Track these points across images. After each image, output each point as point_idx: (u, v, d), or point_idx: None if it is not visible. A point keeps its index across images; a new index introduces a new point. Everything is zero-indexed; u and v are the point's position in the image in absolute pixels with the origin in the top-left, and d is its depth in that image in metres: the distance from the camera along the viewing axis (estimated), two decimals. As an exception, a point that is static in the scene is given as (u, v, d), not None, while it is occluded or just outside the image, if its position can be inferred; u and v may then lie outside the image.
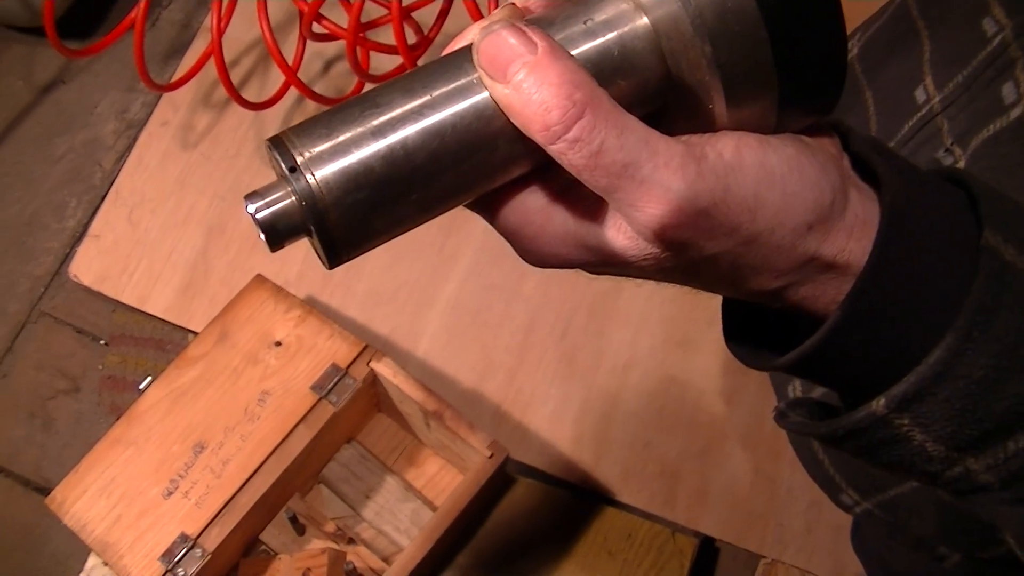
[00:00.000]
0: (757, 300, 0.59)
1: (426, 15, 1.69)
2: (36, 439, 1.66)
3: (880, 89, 1.05)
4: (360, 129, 0.51)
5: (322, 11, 1.57)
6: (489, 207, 0.57)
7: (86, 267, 1.74)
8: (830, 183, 0.55)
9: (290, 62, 1.67)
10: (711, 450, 1.60)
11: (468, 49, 0.53)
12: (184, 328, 1.70)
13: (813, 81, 0.54)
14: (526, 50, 0.50)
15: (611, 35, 0.53)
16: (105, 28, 1.75)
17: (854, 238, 0.55)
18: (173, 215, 1.78)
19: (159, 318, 1.71)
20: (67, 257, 1.77)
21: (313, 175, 0.50)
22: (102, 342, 1.72)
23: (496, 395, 1.63)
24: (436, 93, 0.52)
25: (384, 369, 1.43)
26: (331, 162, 0.51)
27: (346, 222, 0.51)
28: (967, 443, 0.55)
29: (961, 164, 0.89)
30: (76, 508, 1.39)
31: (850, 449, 0.59)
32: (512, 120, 0.51)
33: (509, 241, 0.58)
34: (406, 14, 1.65)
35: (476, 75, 0.52)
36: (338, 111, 0.52)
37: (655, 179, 0.50)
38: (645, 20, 0.53)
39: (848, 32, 1.18)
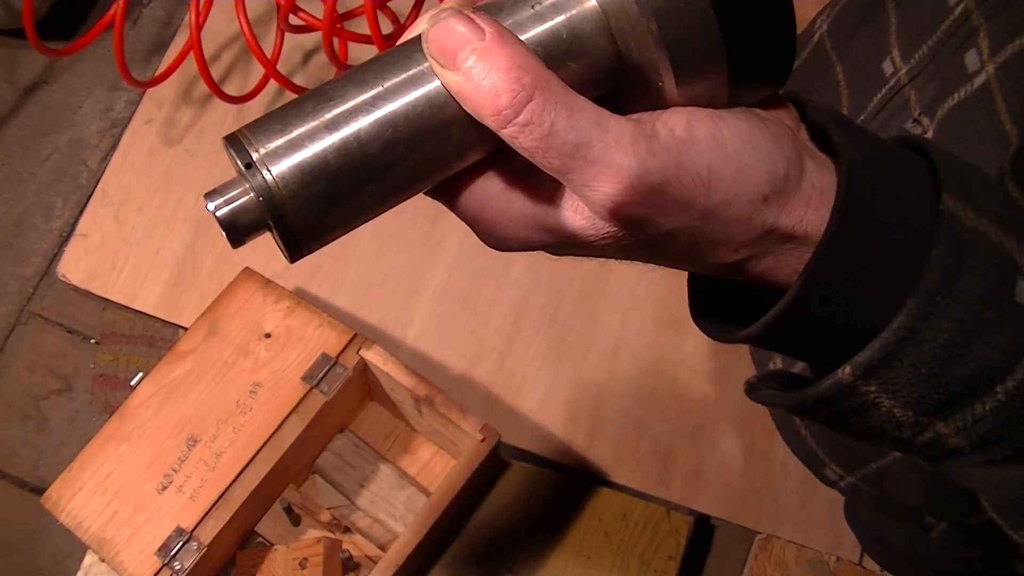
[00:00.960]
0: (720, 274, 0.59)
1: (403, 4, 1.70)
2: (31, 440, 1.66)
3: (849, 64, 1.06)
4: (314, 123, 0.52)
5: (299, 3, 1.57)
6: (448, 194, 0.57)
7: (74, 266, 1.74)
8: (784, 154, 0.55)
9: (269, 55, 1.67)
10: (704, 429, 1.60)
11: (419, 39, 0.53)
12: (174, 324, 1.70)
13: (762, 55, 0.54)
14: (474, 36, 0.50)
15: (559, 18, 0.53)
16: (86, 28, 1.75)
17: (812, 208, 0.55)
18: (160, 212, 1.78)
19: (149, 315, 1.71)
20: (55, 257, 1.77)
21: (269, 171, 0.51)
22: (93, 341, 1.72)
23: (487, 380, 1.64)
24: (388, 84, 0.52)
25: (374, 357, 1.43)
26: (286, 157, 0.51)
27: (304, 216, 0.52)
28: (935, 408, 0.55)
29: (929, 134, 0.89)
30: (71, 506, 1.39)
31: (821, 419, 0.59)
32: (464, 106, 0.52)
33: (470, 226, 0.58)
34: (381, 4, 1.65)
35: (427, 64, 0.52)
36: (292, 106, 0.53)
37: (607, 158, 0.50)
38: (593, 2, 0.53)
39: (818, 10, 1.19)
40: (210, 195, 0.52)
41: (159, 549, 1.34)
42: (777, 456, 1.58)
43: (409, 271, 1.71)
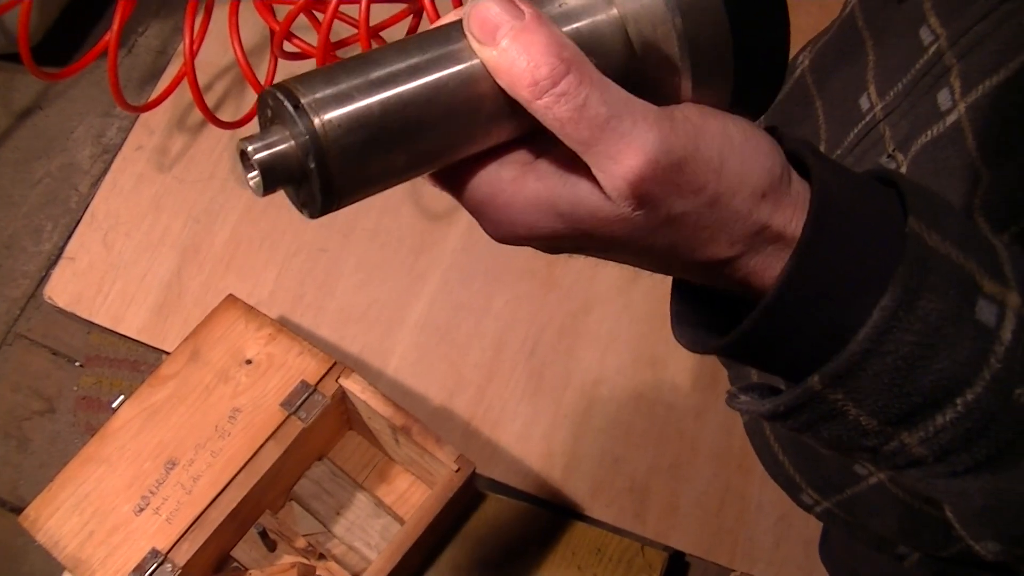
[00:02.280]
0: (708, 277, 0.61)
1: (396, 33, 1.71)
2: (12, 459, 1.67)
3: (829, 98, 1.08)
4: (361, 80, 0.54)
5: (293, 30, 1.60)
6: (462, 179, 0.59)
7: (61, 289, 1.76)
8: (779, 157, 0.58)
9: (263, 82, 1.69)
10: (680, 465, 1.61)
11: (457, 23, 0.56)
12: (158, 349, 1.71)
13: (762, 63, 0.59)
14: (514, 16, 0.53)
15: (584, 20, 0.57)
16: (81, 55, 1.76)
17: (798, 212, 0.58)
18: (147, 237, 1.79)
19: (133, 339, 1.72)
20: (43, 280, 1.79)
21: (318, 115, 0.53)
22: (77, 363, 1.73)
23: (466, 412, 1.65)
24: (429, 55, 0.55)
25: (353, 385, 1.45)
26: (334, 105, 0.53)
27: (344, 163, 0.54)
28: (898, 417, 0.58)
29: (903, 169, 0.91)
30: (49, 525, 1.40)
31: (793, 426, 0.62)
32: (499, 80, 0.54)
33: (478, 214, 0.60)
34: (374, 33, 1.67)
35: (466, 42, 0.55)
36: (337, 65, 0.55)
37: (635, 132, 0.53)
38: (614, 10, 0.58)
39: (800, 46, 1.21)
40: (248, 139, 0.54)
41: (134, 570, 1.35)
42: (753, 494, 1.59)
43: (392, 303, 1.73)
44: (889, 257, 0.57)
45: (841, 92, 1.05)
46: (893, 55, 0.97)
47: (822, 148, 1.06)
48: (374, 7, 1.60)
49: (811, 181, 0.59)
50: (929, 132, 0.89)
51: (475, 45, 0.55)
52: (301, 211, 0.57)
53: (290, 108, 0.53)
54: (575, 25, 0.57)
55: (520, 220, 0.58)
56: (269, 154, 0.53)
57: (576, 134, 0.53)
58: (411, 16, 1.66)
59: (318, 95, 0.53)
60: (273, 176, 0.54)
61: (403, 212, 1.77)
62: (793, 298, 0.58)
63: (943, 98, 0.88)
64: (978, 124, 0.83)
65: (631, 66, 0.59)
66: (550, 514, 1.59)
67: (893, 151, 0.94)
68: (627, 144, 0.53)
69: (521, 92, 0.53)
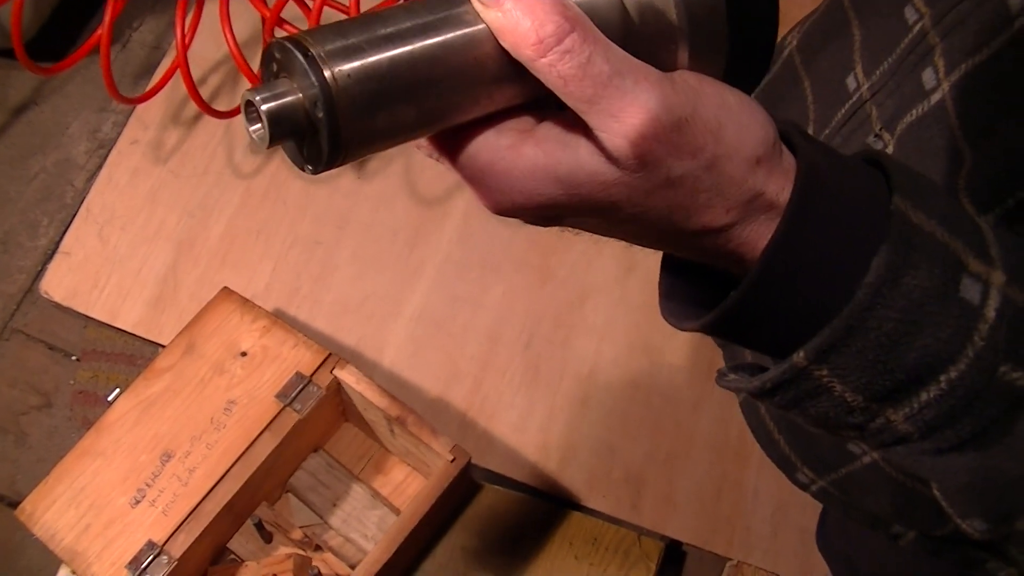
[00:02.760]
0: (701, 248, 0.61)
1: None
2: (9, 454, 1.68)
3: (816, 78, 1.08)
4: (370, 36, 0.55)
5: (285, 17, 1.60)
6: (460, 146, 0.59)
7: (57, 284, 1.76)
8: (773, 126, 0.59)
9: (257, 72, 1.70)
10: (677, 455, 1.62)
11: None
12: (154, 342, 1.72)
13: (754, 35, 0.60)
14: None
15: None
16: (75, 49, 1.77)
17: (788, 183, 0.58)
18: (143, 231, 1.80)
19: (129, 333, 1.73)
20: (39, 275, 1.79)
21: (328, 67, 0.53)
22: (74, 358, 1.73)
23: (462, 403, 1.65)
24: (436, 16, 0.56)
25: (348, 376, 1.45)
26: (345, 58, 0.53)
27: (354, 114, 0.54)
28: (883, 393, 0.59)
29: (890, 149, 0.92)
30: (46, 519, 1.40)
31: (780, 403, 0.62)
32: (503, 41, 0.55)
33: (476, 183, 0.60)
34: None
35: (469, 4, 0.56)
36: (346, 21, 0.56)
37: (637, 90, 0.54)
38: None
39: (788, 29, 1.22)
40: (254, 90, 0.54)
41: (130, 562, 1.35)
42: (749, 483, 1.60)
43: (387, 295, 1.73)
44: (874, 234, 0.57)
45: (828, 72, 1.06)
46: (879, 34, 0.98)
47: (810, 128, 1.07)
48: (367, -5, 1.61)
49: (797, 157, 0.59)
50: (914, 111, 0.89)
51: (479, 7, 0.55)
52: (303, 168, 0.57)
53: (301, 58, 0.53)
54: None
55: (519, 187, 0.58)
56: (277, 104, 0.53)
57: (580, 91, 0.54)
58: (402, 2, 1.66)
59: (329, 47, 0.53)
60: (280, 127, 0.54)
61: (398, 205, 1.77)
62: (780, 270, 0.58)
63: (928, 77, 0.88)
64: (961, 103, 0.84)
65: (628, 37, 0.59)
66: (547, 504, 1.59)
67: (880, 130, 0.95)
68: (630, 102, 0.53)
69: (525, 51, 0.54)
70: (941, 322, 0.57)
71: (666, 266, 0.70)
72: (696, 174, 0.56)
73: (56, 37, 1.98)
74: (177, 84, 1.73)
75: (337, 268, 1.75)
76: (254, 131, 0.55)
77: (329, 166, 0.56)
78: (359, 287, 1.74)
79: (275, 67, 0.55)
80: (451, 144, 0.60)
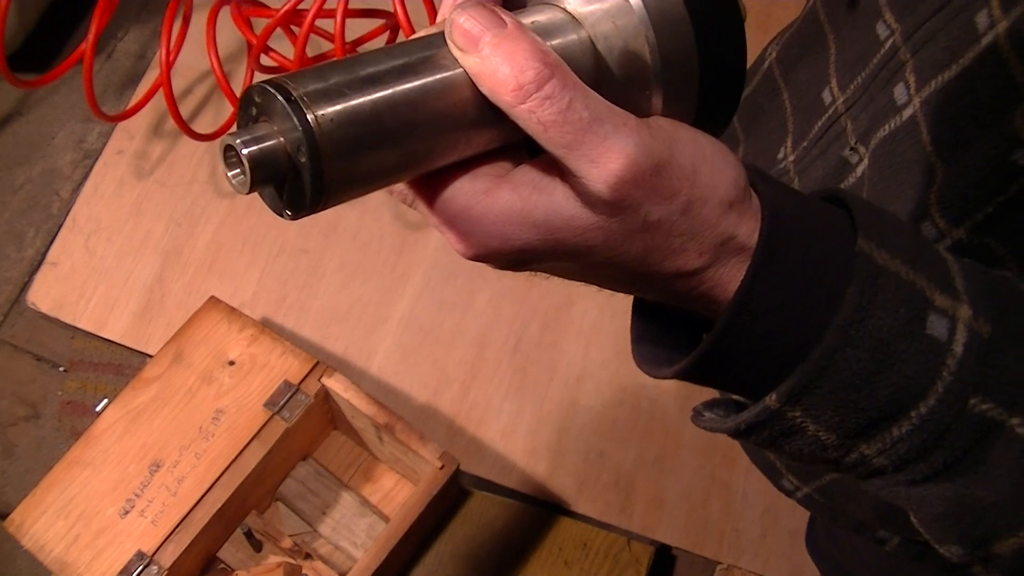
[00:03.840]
0: (674, 292, 0.62)
1: (375, 46, 1.73)
2: (-3, 466, 1.68)
3: (795, 91, 1.09)
4: (351, 78, 0.54)
5: (271, 43, 1.60)
6: (436, 191, 0.59)
7: (44, 294, 1.76)
8: (743, 169, 0.59)
9: (241, 91, 1.70)
10: (666, 459, 1.62)
11: (440, 33, 0.57)
12: (142, 352, 1.72)
13: (724, 80, 0.61)
14: (496, 24, 0.54)
15: (557, 40, 0.59)
16: (59, 61, 1.77)
17: (759, 224, 0.59)
18: (129, 241, 1.80)
19: (117, 343, 1.73)
20: (26, 285, 1.79)
21: (311, 110, 0.52)
22: (61, 368, 1.73)
23: (450, 409, 1.66)
24: (415, 59, 0.56)
25: (335, 384, 1.45)
26: (327, 101, 0.53)
27: (337, 159, 0.53)
28: (855, 431, 0.59)
29: (865, 162, 0.92)
30: (35, 529, 1.40)
31: (757, 442, 0.62)
32: (482, 87, 0.55)
33: (451, 228, 0.60)
34: (352, 48, 1.69)
35: (447, 49, 0.56)
36: (328, 64, 0.55)
37: (616, 136, 0.54)
38: (584, 32, 0.59)
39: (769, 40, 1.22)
40: (235, 134, 0.53)
41: (120, 573, 1.36)
42: (738, 485, 1.60)
43: (374, 302, 1.73)
44: (840, 275, 0.58)
45: (806, 85, 1.06)
46: (853, 48, 0.98)
47: (789, 140, 1.07)
48: (353, 22, 1.61)
49: (762, 200, 0.60)
50: (887, 126, 0.90)
51: (457, 53, 0.55)
52: (281, 213, 0.56)
53: (283, 101, 0.52)
54: (549, 43, 0.58)
55: (494, 231, 0.58)
56: (259, 148, 0.53)
57: (559, 137, 0.54)
58: (387, 32, 1.67)
59: (310, 90, 0.53)
60: (262, 172, 0.53)
61: (383, 212, 1.78)
62: (751, 312, 0.58)
63: (899, 92, 0.89)
64: (932, 119, 0.84)
65: (601, 81, 0.59)
66: (536, 510, 1.59)
67: (855, 144, 0.95)
68: (609, 147, 0.54)
69: (504, 97, 0.54)
70: (909, 359, 0.58)
71: (637, 310, 0.70)
72: (672, 218, 0.57)
73: (42, 47, 1.98)
74: (161, 93, 1.73)
75: (324, 276, 1.75)
76: (234, 176, 0.54)
77: (311, 211, 0.55)
78: (346, 294, 1.74)
79: (254, 111, 0.55)
80: (427, 189, 0.60)
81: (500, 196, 0.57)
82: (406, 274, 1.74)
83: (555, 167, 0.56)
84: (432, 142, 0.56)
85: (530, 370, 1.68)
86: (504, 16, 0.54)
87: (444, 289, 1.73)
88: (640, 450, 1.63)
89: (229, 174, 0.54)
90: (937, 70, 0.83)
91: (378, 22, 1.69)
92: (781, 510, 1.58)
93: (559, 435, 1.64)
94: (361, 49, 1.73)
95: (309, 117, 0.52)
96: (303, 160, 0.53)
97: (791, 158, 1.08)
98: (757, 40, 1.77)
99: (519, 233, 0.57)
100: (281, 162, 0.53)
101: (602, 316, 1.70)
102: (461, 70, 0.56)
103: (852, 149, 0.95)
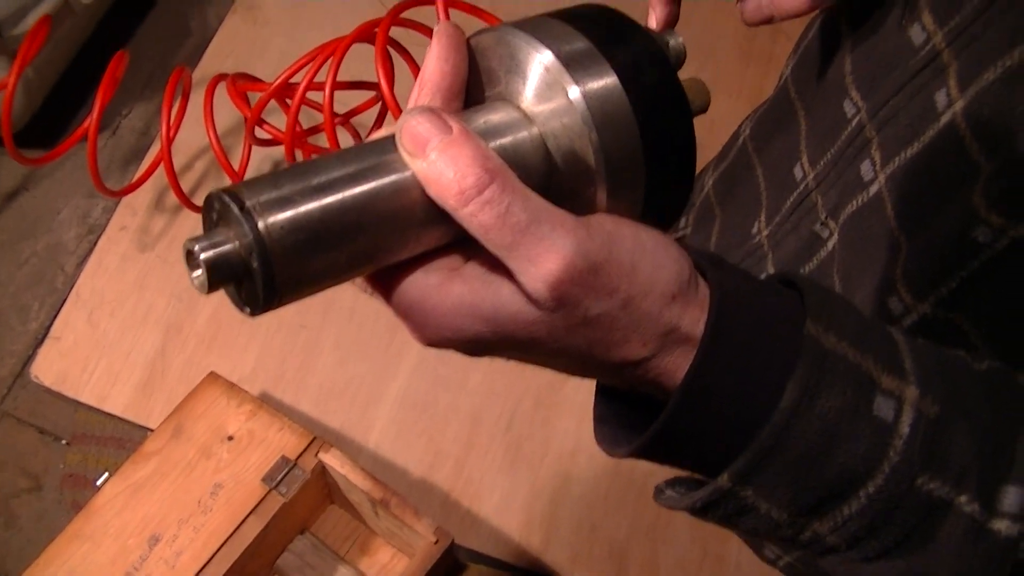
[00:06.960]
0: (624, 378, 0.64)
1: (367, 117, 1.79)
2: (-1, 537, 1.70)
3: (768, 165, 1.12)
4: (303, 185, 0.58)
5: (268, 115, 1.64)
6: (392, 284, 0.62)
7: (47, 368, 1.79)
8: (687, 262, 0.62)
9: (239, 165, 1.74)
10: (658, 528, 1.64)
11: (392, 136, 0.61)
12: (143, 426, 1.74)
13: (670, 178, 0.63)
14: (443, 130, 0.57)
15: (507, 138, 0.62)
16: (65, 137, 1.80)
17: (704, 313, 0.62)
18: (131, 316, 1.83)
19: (119, 417, 1.75)
20: (30, 358, 1.82)
21: (262, 218, 0.56)
22: (63, 441, 1.75)
23: (445, 484, 1.68)
24: (366, 165, 0.59)
25: (332, 460, 1.47)
26: (278, 209, 0.56)
27: (286, 263, 0.57)
28: (806, 509, 0.62)
29: (835, 237, 0.95)
30: (35, 603, 1.42)
31: (713, 520, 0.65)
32: (428, 190, 0.58)
33: (407, 318, 0.63)
34: (345, 120, 1.74)
35: (398, 154, 0.60)
36: (282, 172, 0.59)
37: (553, 237, 0.57)
38: (535, 128, 0.63)
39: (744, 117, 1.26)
40: (194, 240, 0.57)
41: (118, 646, 1.37)
42: (731, 555, 1.62)
43: (370, 379, 1.76)
44: (788, 358, 0.60)
45: (778, 160, 1.10)
46: (822, 125, 1.02)
47: (763, 214, 1.10)
48: (348, 94, 1.65)
49: (711, 289, 0.63)
50: (855, 202, 0.93)
51: (406, 157, 0.59)
52: (242, 309, 0.60)
53: (236, 210, 0.56)
54: (500, 141, 0.62)
55: (446, 323, 0.61)
56: (215, 253, 0.56)
57: (499, 239, 0.57)
58: (379, 103, 1.71)
59: (262, 198, 0.57)
60: (218, 274, 0.57)
61: (382, 287, 1.80)
62: (697, 398, 0.61)
63: (865, 169, 0.92)
64: (896, 195, 0.87)
65: (552, 178, 0.63)
66: (530, 583, 1.61)
67: (826, 219, 0.99)
68: (546, 248, 0.56)
69: (448, 200, 0.57)
70: (857, 439, 0.60)
71: (600, 391, 0.73)
72: (612, 313, 0.59)
73: (47, 123, 2.01)
74: (163, 169, 1.77)
75: (321, 352, 1.78)
76: (195, 277, 0.57)
77: (265, 309, 0.59)
78: (343, 371, 1.77)
79: (215, 216, 0.58)
80: (384, 282, 0.63)
81: (452, 290, 0.60)
82: (401, 352, 1.77)
83: (502, 263, 0.58)
84: (382, 242, 0.60)
85: (524, 445, 1.70)
86: (451, 122, 0.58)
87: (438, 367, 1.76)
88: (633, 520, 1.65)
89: (191, 275, 0.58)
90: (900, 147, 0.87)
91: (369, 94, 1.73)
92: (772, 581, 1.60)
93: (553, 509, 1.66)
94: (355, 121, 1.78)
95: (260, 225, 0.56)
96: (255, 265, 0.56)
97: (764, 232, 1.11)
98: (731, 107, 1.81)
99: (470, 325, 0.60)
100: (236, 265, 0.57)
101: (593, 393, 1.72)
102: (410, 173, 0.59)
103: (823, 224, 0.98)
